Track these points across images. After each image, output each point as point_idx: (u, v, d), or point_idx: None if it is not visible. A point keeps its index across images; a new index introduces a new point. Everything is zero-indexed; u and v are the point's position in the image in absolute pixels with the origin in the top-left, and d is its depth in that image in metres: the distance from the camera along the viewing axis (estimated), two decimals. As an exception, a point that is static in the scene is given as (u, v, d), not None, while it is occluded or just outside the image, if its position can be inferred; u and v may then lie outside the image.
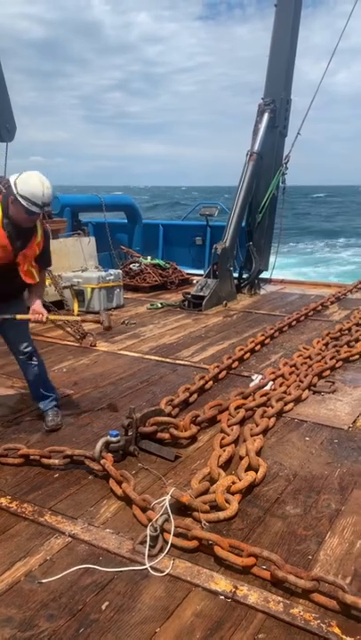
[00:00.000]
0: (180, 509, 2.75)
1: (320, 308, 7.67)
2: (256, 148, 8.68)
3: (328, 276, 20.65)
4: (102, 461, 3.08)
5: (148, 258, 9.72)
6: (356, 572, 2.39)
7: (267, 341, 6.00)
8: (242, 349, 5.47)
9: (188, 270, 10.16)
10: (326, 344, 5.70)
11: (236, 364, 5.20)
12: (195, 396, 4.35)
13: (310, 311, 7.37)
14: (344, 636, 2.04)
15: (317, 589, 2.22)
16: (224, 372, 4.94)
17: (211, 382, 4.68)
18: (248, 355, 5.52)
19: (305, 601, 2.22)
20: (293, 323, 6.83)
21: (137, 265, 9.46)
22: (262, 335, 6.01)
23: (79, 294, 7.51)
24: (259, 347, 5.78)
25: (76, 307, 7.39)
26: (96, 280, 7.50)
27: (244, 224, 9.05)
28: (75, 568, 2.41)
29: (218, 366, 4.95)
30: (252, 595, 2.25)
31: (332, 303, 8.07)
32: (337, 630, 2.07)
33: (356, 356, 5.39)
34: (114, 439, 3.25)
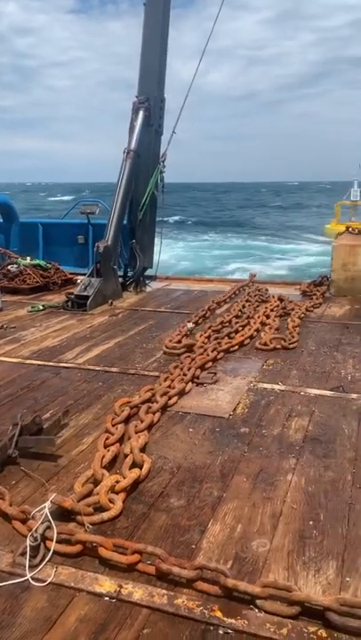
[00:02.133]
0: (64, 515, 2.68)
1: (214, 306, 7.73)
2: (133, 145, 8.70)
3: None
4: None
5: (28, 258, 9.34)
6: (237, 556, 2.47)
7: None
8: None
9: (71, 270, 9.93)
10: (208, 337, 5.86)
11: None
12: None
13: (215, 305, 7.45)
14: (225, 619, 2.10)
15: (201, 577, 2.27)
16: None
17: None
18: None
19: (189, 590, 2.26)
20: (200, 320, 6.84)
21: (15, 266, 9.09)
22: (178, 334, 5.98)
23: None
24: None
25: None
26: (-29, 284, 7.11)
27: (126, 222, 9.04)
28: None
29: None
30: (136, 591, 2.25)
31: (225, 302, 8.18)
32: (219, 614, 2.13)
33: (236, 347, 5.61)
34: None
